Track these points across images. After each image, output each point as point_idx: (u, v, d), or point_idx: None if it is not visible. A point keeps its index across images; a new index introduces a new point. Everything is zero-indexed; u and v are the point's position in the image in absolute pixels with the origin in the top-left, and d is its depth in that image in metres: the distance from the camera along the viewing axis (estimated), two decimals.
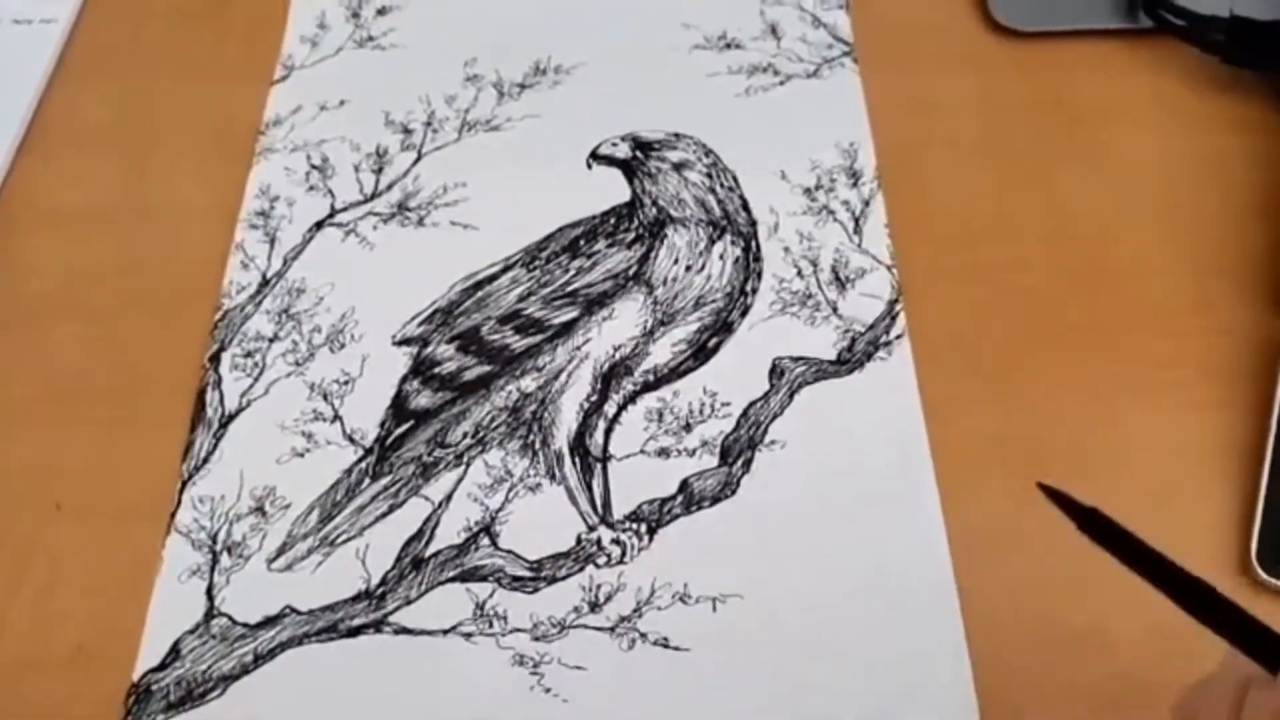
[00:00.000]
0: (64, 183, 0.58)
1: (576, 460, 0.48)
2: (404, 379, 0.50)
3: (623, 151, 0.57)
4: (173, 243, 0.56)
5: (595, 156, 0.57)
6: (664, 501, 0.47)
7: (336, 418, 0.49)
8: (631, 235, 0.54)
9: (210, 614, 0.44)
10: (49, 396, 0.51)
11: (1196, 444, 0.48)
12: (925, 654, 0.42)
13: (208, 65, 0.63)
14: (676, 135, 0.58)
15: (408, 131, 0.59)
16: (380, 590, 0.44)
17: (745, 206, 0.56)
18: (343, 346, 0.51)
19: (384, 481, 0.47)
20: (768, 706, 0.42)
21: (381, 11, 0.64)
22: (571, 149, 0.58)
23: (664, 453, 0.48)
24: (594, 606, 0.44)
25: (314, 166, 0.57)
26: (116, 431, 0.49)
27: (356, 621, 0.44)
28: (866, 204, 0.55)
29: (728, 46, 0.62)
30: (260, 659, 0.43)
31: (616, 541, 0.45)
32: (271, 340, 0.51)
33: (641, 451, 0.48)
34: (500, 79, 0.61)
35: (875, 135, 0.58)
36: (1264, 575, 0.44)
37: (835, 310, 0.52)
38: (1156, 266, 0.53)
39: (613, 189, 0.56)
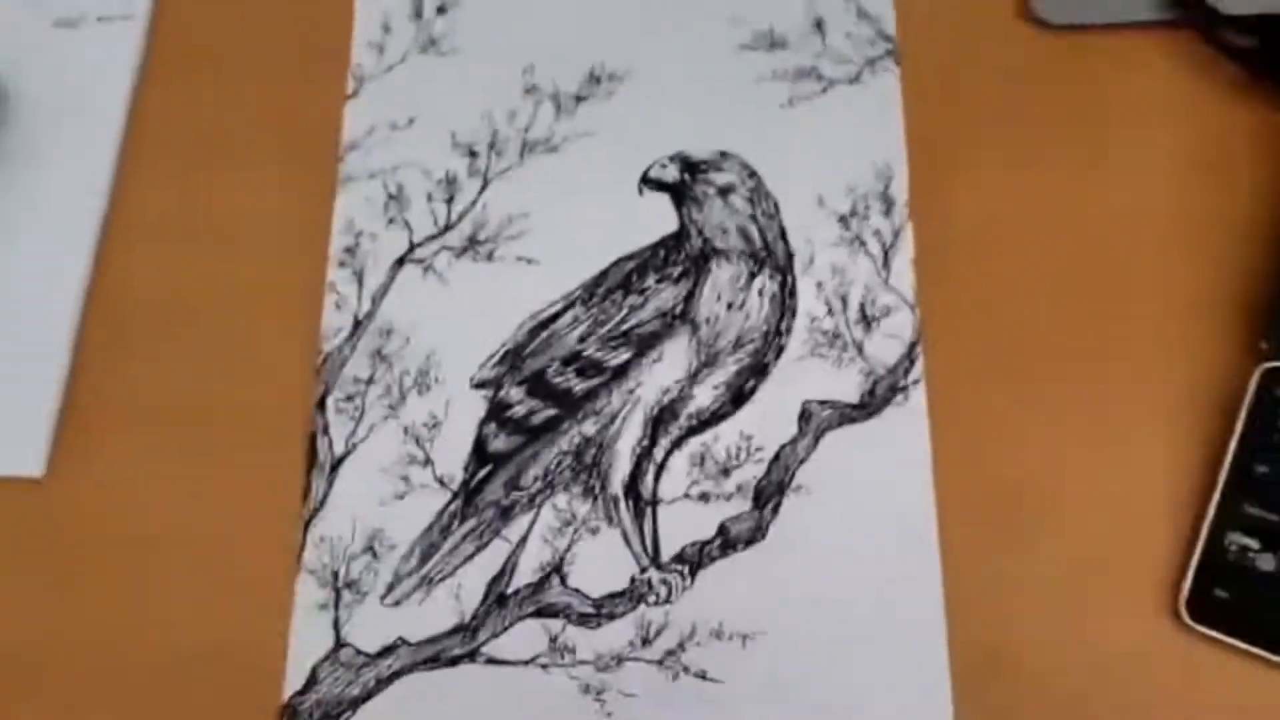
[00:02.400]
0: (161, 195, 0.64)
1: (630, 504, 0.57)
2: (482, 422, 0.59)
3: (671, 174, 0.62)
4: (265, 264, 0.63)
5: (646, 180, 0.62)
6: (704, 544, 0.56)
7: (428, 461, 0.58)
8: (679, 270, 0.60)
9: (338, 644, 0.55)
10: (164, 417, 0.59)
11: (1154, 486, 0.54)
12: (910, 695, 0.52)
13: (281, 65, 0.67)
14: (723, 154, 0.63)
15: (473, 155, 0.64)
16: (473, 624, 0.55)
17: (784, 235, 0.61)
18: (429, 389, 0.59)
19: (470, 524, 0.57)
20: None
21: (441, 9, 0.67)
22: (625, 170, 0.63)
23: (705, 497, 0.56)
24: (645, 641, 0.54)
25: (391, 196, 0.63)
26: (234, 457, 0.59)
27: (455, 652, 0.55)
28: (897, 235, 0.60)
29: (774, 45, 0.65)
30: (381, 684, 0.54)
31: (664, 582, 0.55)
32: (368, 383, 0.60)
33: (685, 495, 0.57)
34: (557, 90, 0.65)
35: (910, 149, 0.61)
36: (1189, 621, 0.52)
37: (860, 351, 0.58)
38: (1145, 290, 0.58)
39: (663, 214, 0.62)
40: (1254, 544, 0.52)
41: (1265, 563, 0.52)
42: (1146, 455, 0.55)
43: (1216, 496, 0.53)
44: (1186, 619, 0.51)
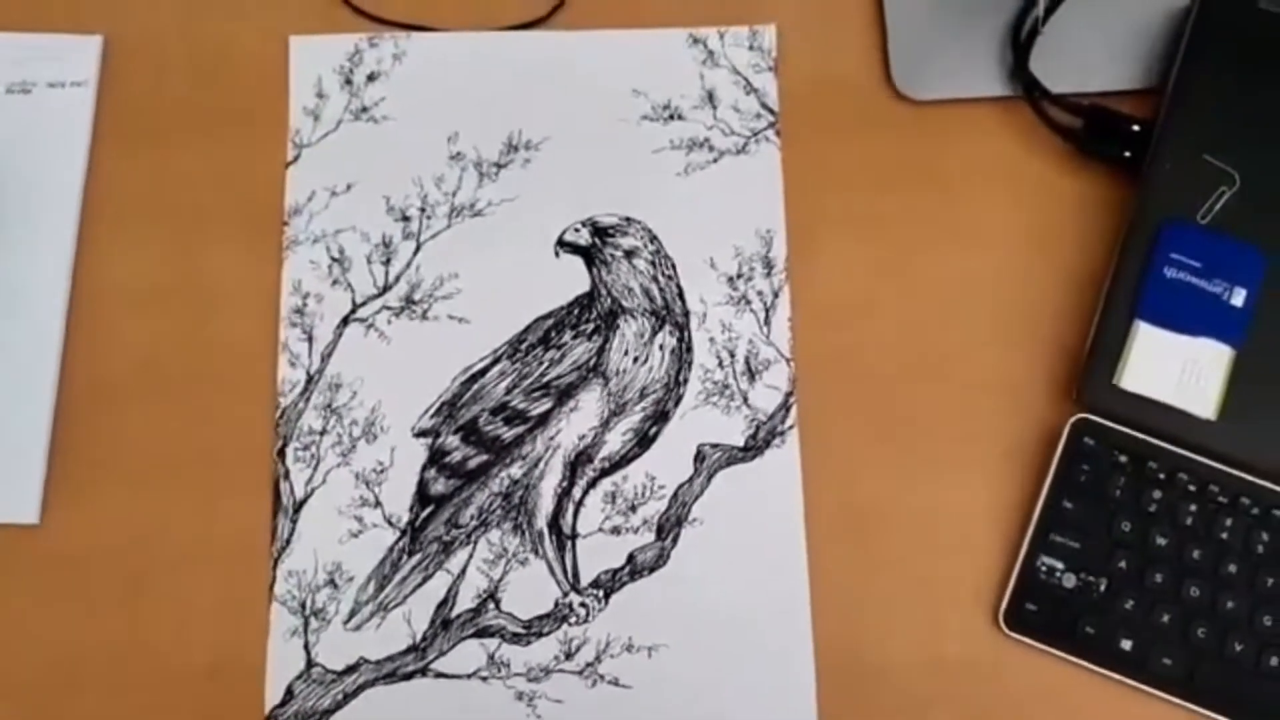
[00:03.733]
0: (122, 259, 0.71)
1: (553, 538, 0.67)
2: (424, 467, 0.69)
3: (584, 238, 0.72)
4: (225, 320, 0.71)
5: (561, 244, 0.72)
6: (616, 571, 0.67)
7: (378, 503, 0.68)
8: (591, 326, 0.70)
9: (309, 664, 0.66)
10: (142, 469, 0.68)
11: (985, 516, 0.66)
12: (782, 692, 0.64)
13: (226, 130, 0.73)
14: (628, 219, 0.72)
15: (406, 219, 0.72)
16: (423, 645, 0.66)
17: (681, 295, 0.71)
18: (376, 438, 0.69)
19: (417, 558, 0.67)
20: None
21: (371, 78, 0.75)
22: (543, 232, 0.72)
23: (616, 530, 0.67)
24: (568, 655, 0.66)
25: (334, 259, 0.72)
26: (210, 497, 0.68)
27: (409, 669, 0.66)
28: (776, 294, 0.70)
29: (671, 118, 0.74)
30: (348, 697, 0.65)
31: (583, 605, 0.66)
32: (321, 433, 0.69)
33: (600, 530, 0.67)
34: (480, 158, 0.73)
35: (787, 215, 0.71)
36: (1007, 630, 0.64)
37: (746, 400, 0.69)
38: (981, 345, 0.69)
39: (576, 274, 0.71)
40: (1059, 565, 0.64)
41: (1068, 581, 0.64)
42: (980, 489, 0.67)
43: (1032, 525, 0.65)
44: (1004, 627, 0.64)
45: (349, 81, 0.74)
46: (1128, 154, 0.69)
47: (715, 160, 0.72)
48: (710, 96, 0.73)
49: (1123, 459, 0.64)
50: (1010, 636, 0.64)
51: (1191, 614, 0.63)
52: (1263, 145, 0.66)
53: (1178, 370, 0.64)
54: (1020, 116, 0.71)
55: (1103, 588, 0.63)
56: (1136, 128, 0.69)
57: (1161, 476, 0.64)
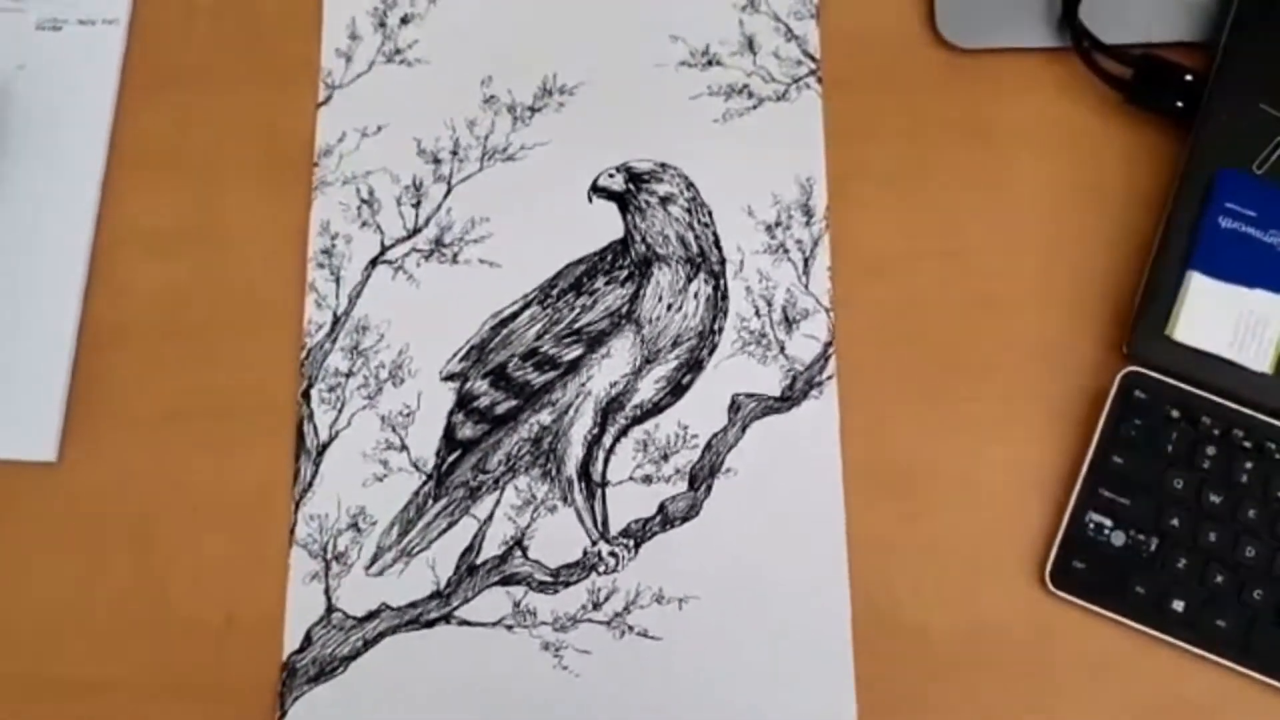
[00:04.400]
0: (148, 199, 0.70)
1: (583, 486, 0.65)
2: (451, 412, 0.67)
3: (618, 184, 0.70)
4: (249, 263, 0.69)
5: (595, 189, 0.70)
6: (646, 521, 0.65)
7: (404, 447, 0.66)
8: (624, 273, 0.68)
9: (329, 609, 0.64)
10: (163, 410, 0.67)
11: (1029, 471, 0.64)
12: (817, 650, 0.62)
13: (255, 71, 0.72)
14: (663, 166, 0.70)
15: (438, 161, 0.71)
16: (447, 591, 0.64)
17: (717, 243, 0.69)
18: (403, 381, 0.67)
19: (443, 503, 0.65)
20: (710, 680, 0.62)
21: (405, 20, 0.73)
22: (577, 178, 0.70)
23: (647, 479, 0.65)
24: (596, 605, 0.63)
25: (363, 201, 0.70)
26: (229, 442, 0.66)
27: (431, 616, 0.64)
28: (815, 244, 0.68)
29: (709, 64, 0.72)
30: (369, 644, 0.63)
31: (613, 554, 0.64)
32: (348, 375, 0.67)
33: (630, 478, 0.65)
34: (514, 101, 0.71)
35: (828, 163, 0.69)
36: (1052, 588, 0.62)
37: (783, 350, 0.67)
38: (1028, 299, 0.67)
39: (610, 220, 0.70)
40: (1108, 522, 0.62)
41: (1116, 538, 0.62)
42: (1025, 445, 0.65)
43: (1080, 481, 0.62)
44: (1050, 586, 0.62)
45: (382, 24, 0.73)
46: (1180, 104, 0.67)
47: (755, 107, 0.70)
48: (750, 43, 0.71)
49: (1175, 413, 0.62)
50: (1056, 595, 0.61)
51: (1247, 574, 0.60)
52: None
53: (1233, 322, 0.62)
54: (1068, 67, 0.70)
55: (1153, 546, 0.61)
56: (1189, 77, 0.66)
57: (1216, 432, 0.61)
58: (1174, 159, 0.67)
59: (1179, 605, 0.60)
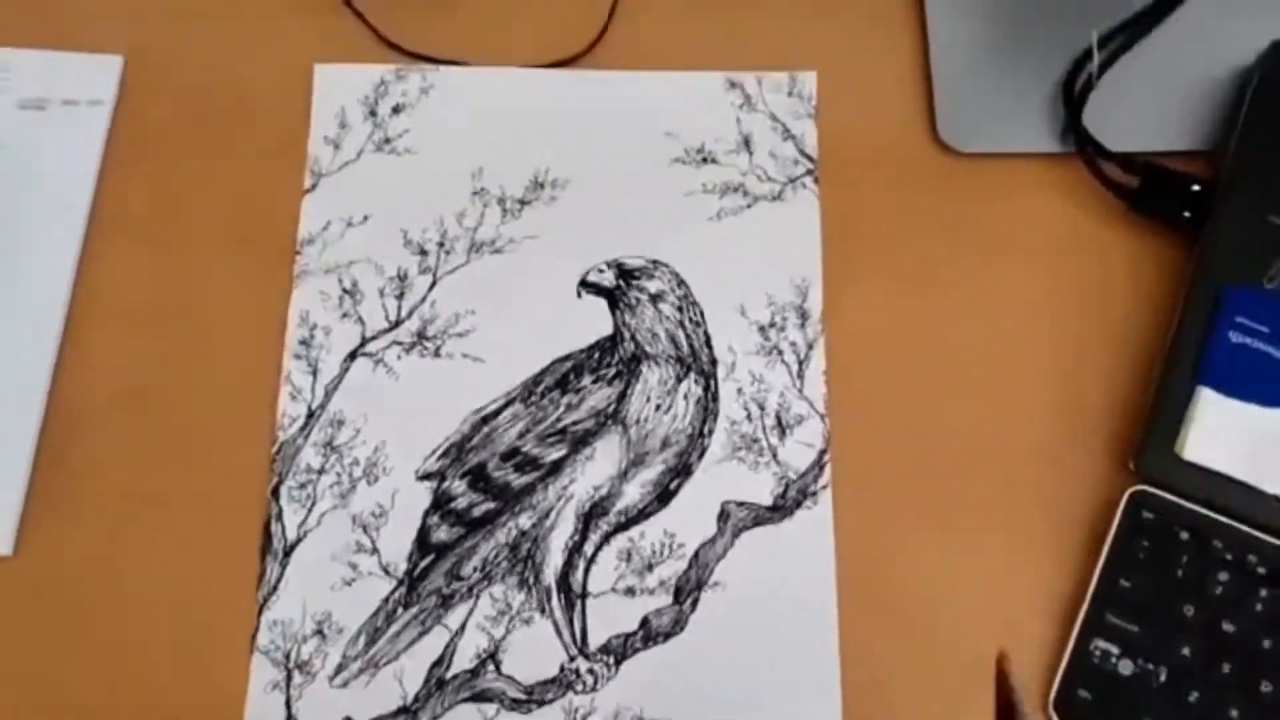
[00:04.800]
0: (124, 281, 0.68)
1: (561, 596, 0.62)
2: (426, 513, 0.64)
3: (608, 279, 0.68)
4: (225, 351, 0.67)
5: (584, 284, 0.68)
6: (628, 636, 0.61)
7: (375, 550, 0.63)
8: (612, 371, 0.66)
9: None
10: (127, 499, 0.63)
11: (1027, 586, 0.61)
12: None
13: (241, 157, 0.70)
14: (654, 263, 0.68)
15: (424, 253, 0.68)
16: (414, 706, 0.60)
17: (708, 342, 0.66)
18: (376, 480, 0.64)
19: (413, 611, 0.62)
20: None
21: (396, 110, 0.72)
22: (565, 273, 0.68)
23: (630, 591, 0.62)
24: None
25: (345, 291, 0.68)
26: (194, 537, 0.63)
27: None
28: (810, 347, 0.66)
29: (704, 161, 0.70)
30: None
31: (591, 671, 0.61)
32: (320, 473, 0.64)
33: (612, 589, 0.62)
34: (504, 194, 0.69)
35: (825, 264, 0.67)
36: (1056, 719, 0.58)
37: (775, 456, 0.64)
38: (1029, 408, 0.64)
39: (599, 317, 0.67)
40: (1115, 650, 0.58)
41: (1124, 668, 0.58)
42: (1027, 564, 0.61)
43: (1085, 606, 0.59)
44: (1054, 716, 0.58)
45: (373, 113, 0.71)
46: (1187, 214, 0.65)
47: (749, 206, 0.68)
48: (746, 142, 0.70)
49: (1184, 535, 0.59)
50: None
51: (1265, 710, 0.56)
52: None
53: (1246, 441, 0.59)
54: (1071, 173, 0.68)
55: (1163, 677, 0.57)
56: (1196, 187, 0.65)
57: (1229, 557, 0.58)
58: (1181, 269, 0.65)
59: None
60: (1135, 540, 0.59)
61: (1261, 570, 0.58)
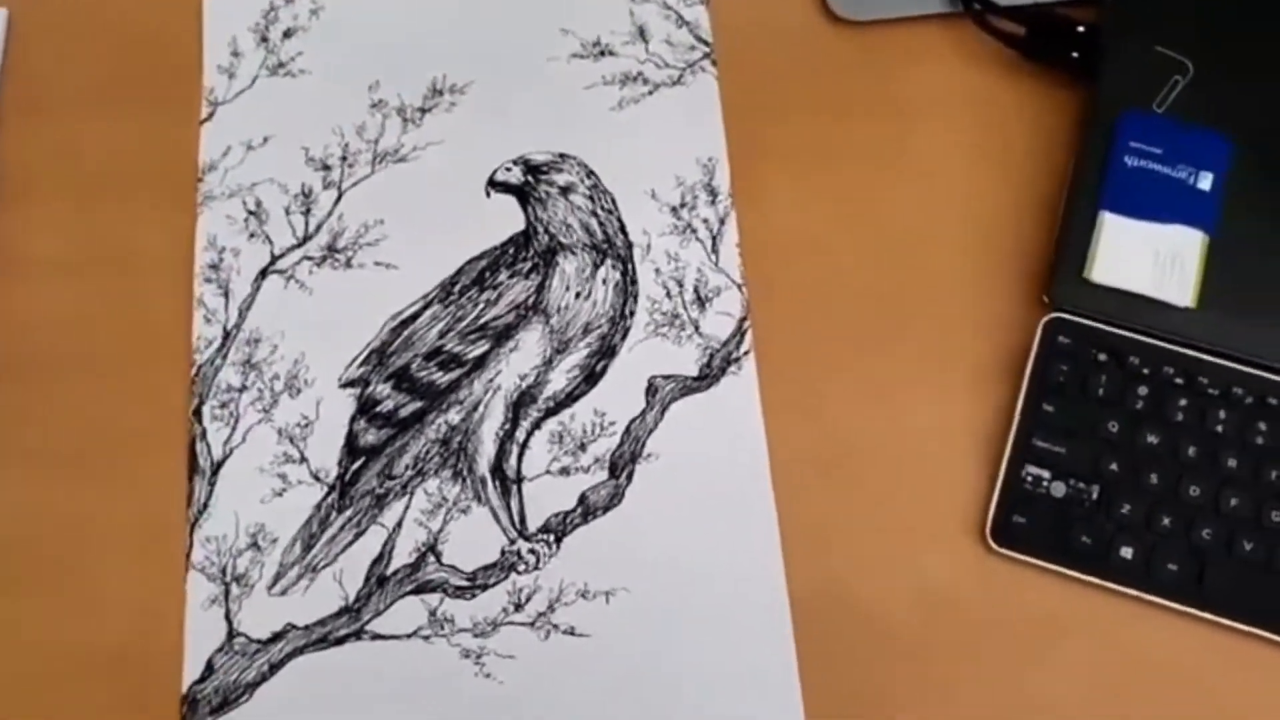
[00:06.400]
0: (30, 228, 0.67)
1: (497, 484, 0.62)
2: (352, 419, 0.63)
3: (516, 176, 0.67)
4: (138, 287, 0.66)
5: (493, 184, 0.67)
6: (567, 514, 0.61)
7: (303, 459, 0.62)
8: (528, 265, 0.66)
9: (231, 634, 0.59)
10: (55, 446, 0.62)
11: (961, 430, 0.61)
12: (755, 637, 0.58)
13: (136, 93, 0.70)
14: (562, 156, 0.68)
15: (327, 168, 0.68)
16: (356, 606, 0.59)
17: (623, 228, 0.67)
18: (299, 392, 0.63)
19: (348, 514, 0.61)
20: (645, 676, 0.57)
21: (288, 34, 0.71)
22: (472, 174, 0.67)
23: (565, 471, 0.62)
24: (518, 607, 0.59)
25: (250, 213, 0.67)
26: (122, 469, 0.62)
27: (342, 632, 0.59)
28: (722, 222, 0.66)
29: (602, 54, 0.70)
30: (274, 668, 0.58)
31: (532, 551, 0.60)
32: (241, 390, 0.63)
33: (547, 472, 0.62)
34: (403, 104, 0.69)
35: (729, 143, 0.67)
36: (995, 546, 0.59)
37: (698, 329, 0.64)
38: (942, 259, 0.65)
39: (510, 214, 0.67)
40: (1045, 474, 0.59)
41: (1056, 490, 0.59)
42: (953, 403, 0.62)
43: (1012, 434, 0.60)
44: (992, 544, 0.58)
45: (264, 39, 0.71)
46: (1076, 55, 0.66)
47: (650, 93, 0.69)
48: (641, 32, 0.70)
49: (1101, 356, 0.60)
50: (999, 553, 0.58)
51: (1194, 514, 0.58)
52: (1213, 31, 0.64)
53: (1150, 259, 0.60)
54: (962, 31, 0.69)
55: (1095, 494, 0.58)
56: (1082, 28, 0.66)
57: (1145, 371, 0.59)
58: (1074, 109, 0.66)
59: (1127, 553, 0.57)
60: (1054, 366, 0.60)
61: (1179, 380, 0.59)
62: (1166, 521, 0.57)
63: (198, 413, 0.62)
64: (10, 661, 0.58)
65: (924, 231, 0.66)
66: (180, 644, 0.58)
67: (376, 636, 0.58)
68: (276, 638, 0.58)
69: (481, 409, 0.62)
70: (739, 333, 0.63)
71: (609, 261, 0.65)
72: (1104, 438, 0.59)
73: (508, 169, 0.67)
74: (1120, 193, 0.61)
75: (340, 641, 0.58)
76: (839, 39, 0.69)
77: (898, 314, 0.64)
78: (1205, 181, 0.61)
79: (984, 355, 0.63)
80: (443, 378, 0.63)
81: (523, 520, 0.60)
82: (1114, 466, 0.58)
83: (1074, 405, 0.59)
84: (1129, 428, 0.59)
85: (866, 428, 0.62)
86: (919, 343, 0.63)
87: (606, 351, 0.63)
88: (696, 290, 0.64)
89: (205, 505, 0.60)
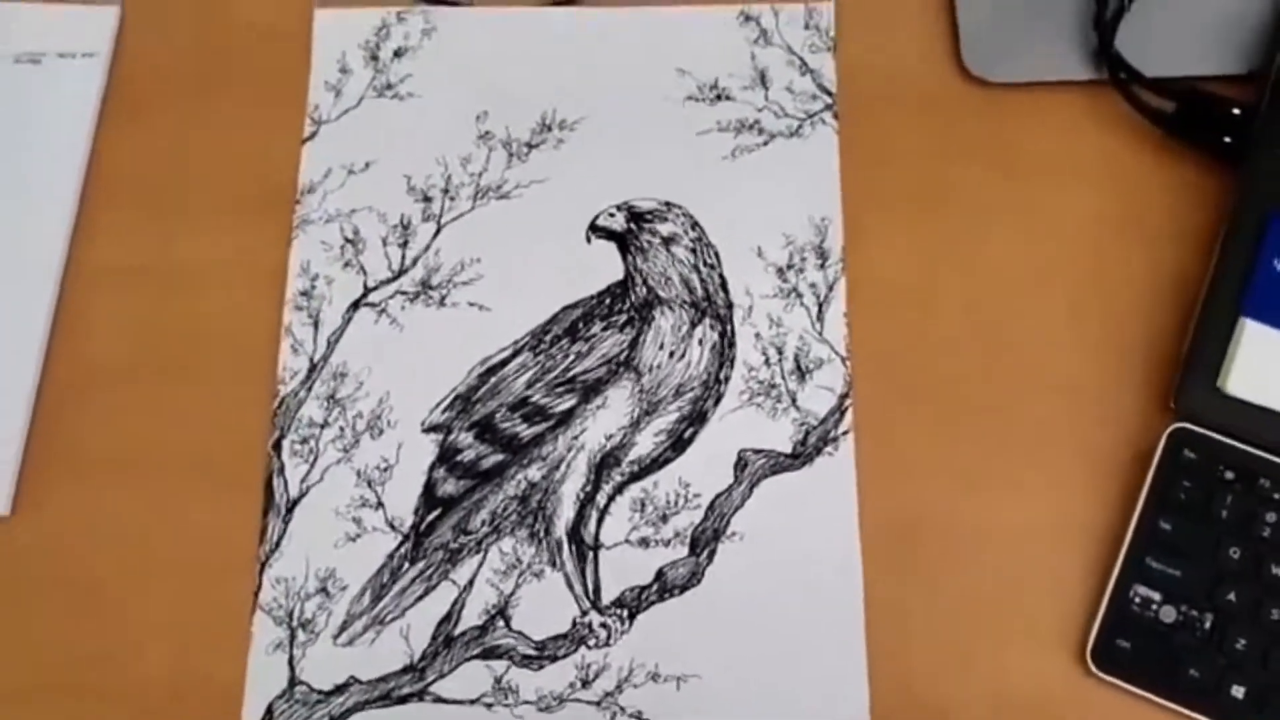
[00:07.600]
0: (120, 237, 0.66)
1: (573, 548, 0.59)
2: (432, 466, 0.61)
3: (619, 223, 0.65)
4: (223, 305, 0.64)
5: (594, 229, 0.65)
6: (643, 589, 0.59)
7: (380, 504, 0.61)
8: (624, 318, 0.63)
9: (293, 682, 0.58)
10: (126, 460, 0.62)
11: (1061, 531, 0.58)
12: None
13: (239, 106, 0.68)
14: (667, 205, 0.65)
15: (428, 199, 0.66)
16: (421, 664, 0.58)
17: (724, 286, 0.64)
18: (381, 433, 0.62)
19: (420, 566, 0.60)
20: None
21: (398, 54, 0.69)
22: (574, 217, 0.65)
23: (644, 542, 0.59)
24: (585, 683, 0.57)
25: (347, 240, 0.65)
26: (194, 496, 0.61)
27: (404, 691, 0.58)
28: (830, 288, 0.63)
29: (718, 98, 0.67)
30: None
31: (604, 625, 0.58)
32: (323, 426, 0.62)
33: (626, 541, 0.59)
34: (510, 138, 0.67)
35: (844, 202, 0.64)
36: (1095, 670, 0.55)
37: (794, 402, 0.61)
38: (1061, 344, 0.61)
39: (609, 261, 0.64)
40: (1156, 596, 0.55)
41: (1166, 615, 0.55)
42: (1061, 507, 0.58)
43: (1124, 549, 0.56)
44: (1092, 666, 0.55)
45: (374, 57, 0.69)
46: (1227, 140, 0.61)
47: (765, 143, 0.65)
48: (762, 77, 0.67)
49: (1229, 475, 0.56)
50: (1097, 677, 0.54)
51: None
52: None
53: None
54: (1103, 100, 0.65)
55: (1208, 624, 0.54)
56: (1237, 111, 0.61)
57: (1275, 496, 0.55)
58: (1220, 197, 0.62)
59: (1239, 691, 0.53)
60: (1176, 480, 0.56)
61: None
62: None
63: (277, 446, 0.61)
64: (63, 685, 0.57)
65: (1044, 313, 0.62)
66: (240, 684, 0.57)
67: (439, 700, 0.57)
68: (339, 690, 0.57)
69: (564, 467, 0.60)
70: (839, 410, 0.60)
71: (707, 320, 0.62)
72: (1224, 564, 0.55)
73: (611, 214, 0.64)
74: (1265, 299, 0.56)
75: (402, 700, 0.57)
76: (971, 97, 0.66)
77: (1008, 401, 0.60)
78: None
79: (1098, 453, 0.59)
80: (527, 430, 0.61)
81: (597, 591, 0.58)
82: (1231, 597, 0.54)
83: (1194, 525, 0.55)
84: (1252, 556, 0.55)
85: (966, 521, 0.59)
86: (1029, 435, 0.60)
87: (697, 417, 0.60)
88: (797, 360, 0.61)
89: (278, 544, 0.59)
